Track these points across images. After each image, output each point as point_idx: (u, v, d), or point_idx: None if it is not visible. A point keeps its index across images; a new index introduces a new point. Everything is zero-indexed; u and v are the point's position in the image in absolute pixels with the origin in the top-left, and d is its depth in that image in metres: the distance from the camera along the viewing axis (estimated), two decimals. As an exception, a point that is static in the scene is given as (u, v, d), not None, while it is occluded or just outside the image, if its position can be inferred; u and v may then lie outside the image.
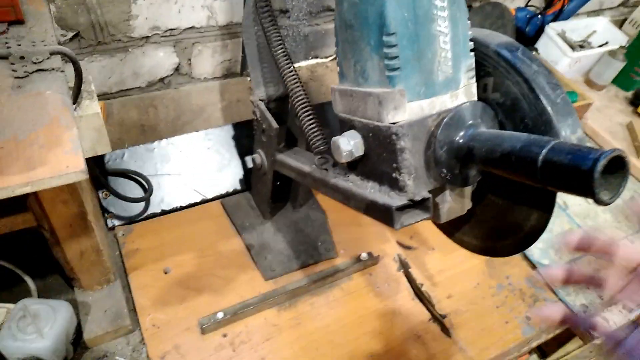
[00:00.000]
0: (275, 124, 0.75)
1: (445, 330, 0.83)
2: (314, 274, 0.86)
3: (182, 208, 0.93)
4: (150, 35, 0.91)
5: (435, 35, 0.49)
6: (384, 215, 0.53)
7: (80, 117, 0.62)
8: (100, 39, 0.87)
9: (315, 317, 0.81)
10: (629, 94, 1.42)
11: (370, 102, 0.52)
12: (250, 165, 0.99)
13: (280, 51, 0.73)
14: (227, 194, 0.97)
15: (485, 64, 0.55)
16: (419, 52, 0.49)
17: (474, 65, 0.54)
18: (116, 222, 0.89)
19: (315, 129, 0.68)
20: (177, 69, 0.99)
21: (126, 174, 0.90)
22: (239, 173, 0.99)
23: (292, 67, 0.72)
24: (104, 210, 0.88)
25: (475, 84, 0.55)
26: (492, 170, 0.51)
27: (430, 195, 0.53)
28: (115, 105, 0.94)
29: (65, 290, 0.79)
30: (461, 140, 0.52)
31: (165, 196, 0.93)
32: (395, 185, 0.53)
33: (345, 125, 0.57)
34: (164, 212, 0.92)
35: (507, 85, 0.54)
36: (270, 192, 0.86)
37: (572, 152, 0.41)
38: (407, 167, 0.51)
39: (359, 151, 0.56)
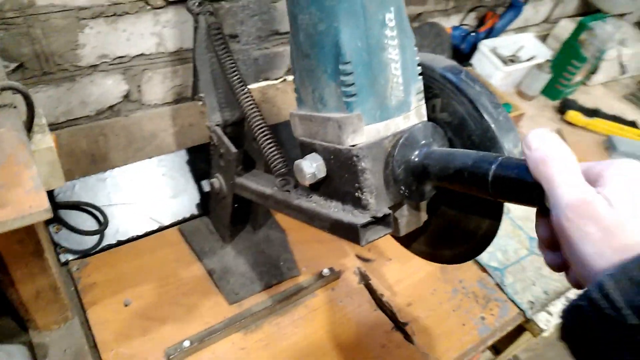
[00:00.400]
0: (233, 148, 0.76)
1: (408, 337, 0.86)
2: (278, 294, 0.86)
3: (138, 237, 0.91)
4: (98, 63, 0.89)
5: (387, 63, 0.53)
6: (350, 233, 0.55)
7: (33, 152, 0.61)
8: (46, 69, 0.85)
9: (282, 337, 0.82)
10: (556, 103, 1.55)
11: (330, 127, 0.55)
12: (207, 189, 0.99)
13: (235, 77, 0.74)
14: (185, 220, 0.96)
15: (433, 87, 0.60)
16: (373, 78, 0.52)
17: (422, 88, 0.58)
18: (69, 257, 0.86)
19: (275, 152, 0.70)
20: (126, 96, 0.98)
21: (79, 206, 0.87)
22: (195, 198, 0.98)
23: (247, 92, 0.74)
24: (56, 245, 0.85)
25: (424, 105, 0.59)
26: (447, 185, 0.55)
27: (391, 212, 0.56)
28: (63, 135, 0.92)
29: (19, 332, 0.75)
30: (416, 159, 0.56)
31: (121, 226, 0.91)
32: (358, 204, 0.56)
33: (306, 149, 0.60)
34: (120, 243, 0.90)
35: (454, 106, 0.58)
36: (229, 215, 0.87)
37: (518, 166, 0.45)
38: (369, 187, 0.54)
39: (322, 173, 0.58)
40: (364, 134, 0.53)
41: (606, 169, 0.35)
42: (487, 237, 0.61)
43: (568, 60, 1.47)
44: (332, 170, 0.58)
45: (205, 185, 0.99)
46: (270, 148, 0.70)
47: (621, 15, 1.83)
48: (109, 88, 0.94)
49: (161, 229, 0.94)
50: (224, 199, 0.86)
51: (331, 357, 0.81)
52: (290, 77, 1.19)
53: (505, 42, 1.53)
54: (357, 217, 0.55)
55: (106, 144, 0.96)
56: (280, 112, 1.16)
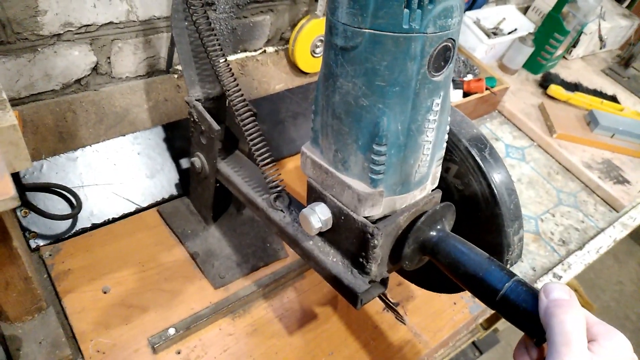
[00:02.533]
0: (216, 126, 0.71)
1: (400, 317, 0.84)
2: (266, 277, 0.83)
3: (115, 220, 0.86)
4: (62, 32, 0.82)
5: (421, 145, 0.50)
6: (348, 295, 0.57)
7: (-7, 130, 0.55)
8: (3, 38, 0.77)
9: (272, 320, 0.79)
10: (538, 77, 1.54)
11: (347, 193, 0.53)
12: (185, 166, 0.94)
13: (214, 51, 0.68)
14: (164, 201, 0.91)
15: (453, 153, 0.58)
16: (404, 159, 0.50)
17: (443, 154, 0.56)
18: (40, 242, 0.80)
19: (269, 165, 0.67)
20: (95, 69, 0.90)
21: (49, 188, 0.81)
22: (174, 177, 0.93)
23: (229, 69, 0.68)
24: (25, 230, 0.79)
25: (440, 169, 0.57)
26: (450, 277, 0.54)
27: (389, 275, 0.58)
28: (27, 111, 0.84)
29: (-12, 325, 0.70)
30: (427, 243, 0.55)
31: (95, 208, 0.85)
32: (360, 267, 0.56)
33: (315, 194, 0.57)
34: (94, 226, 0.84)
35: (470, 180, 0.59)
36: (212, 196, 0.82)
37: (527, 299, 0.45)
38: (375, 258, 0.54)
39: (328, 226, 0.57)
40: (382, 206, 0.52)
41: (603, 336, 0.40)
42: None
43: (550, 33, 1.45)
44: (340, 227, 0.57)
45: (184, 163, 0.94)
46: (263, 161, 0.67)
47: (600, -12, 1.82)
48: (75, 60, 0.87)
49: (138, 210, 0.88)
50: (206, 179, 0.81)
51: (322, 340, 0.79)
52: (270, 49, 1.13)
53: (488, 14, 1.50)
54: (357, 281, 0.56)
55: (75, 121, 0.89)
56: (261, 85, 1.10)
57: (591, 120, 1.38)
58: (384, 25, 0.42)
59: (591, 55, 1.76)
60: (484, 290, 0.50)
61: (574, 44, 1.63)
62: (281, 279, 0.83)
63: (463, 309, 0.89)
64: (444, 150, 0.56)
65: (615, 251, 2.73)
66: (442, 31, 0.43)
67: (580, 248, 1.11)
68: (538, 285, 0.99)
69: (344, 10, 0.43)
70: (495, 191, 0.57)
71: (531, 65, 1.53)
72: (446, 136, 0.55)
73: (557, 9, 1.43)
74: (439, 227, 0.56)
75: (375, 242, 0.53)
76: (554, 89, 1.44)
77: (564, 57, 1.65)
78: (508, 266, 0.62)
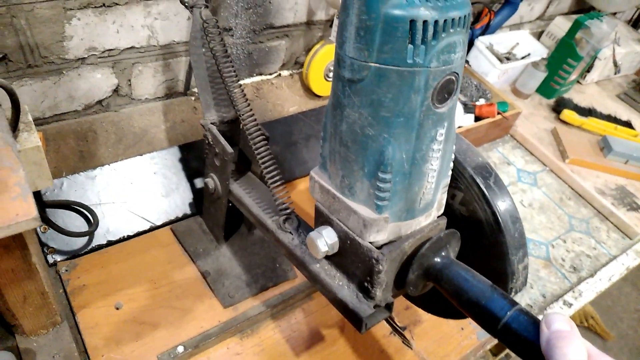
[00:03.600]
0: (230, 149, 0.74)
1: (407, 341, 0.85)
2: (274, 297, 0.84)
3: (129, 237, 0.88)
4: (86, 56, 0.86)
5: (426, 173, 0.52)
6: (353, 318, 0.58)
7: (19, 152, 0.58)
8: (31, 61, 0.81)
9: (279, 341, 0.80)
10: (551, 101, 1.54)
11: (353, 218, 0.54)
12: (199, 185, 0.96)
13: (230, 78, 0.71)
14: (177, 219, 0.93)
15: (459, 181, 0.60)
16: (408, 186, 0.51)
17: (449, 182, 0.58)
18: (58, 258, 0.82)
19: (279, 187, 0.69)
20: (116, 91, 0.94)
21: (68, 206, 0.84)
22: (188, 197, 0.95)
23: (243, 96, 0.71)
24: (43, 245, 0.82)
25: (445, 196, 0.59)
26: (453, 303, 0.55)
27: (393, 300, 0.59)
28: (50, 131, 0.88)
29: (5, 337, 0.72)
30: (431, 269, 0.57)
31: (111, 226, 0.87)
32: (365, 292, 0.57)
33: (322, 217, 0.59)
34: (110, 243, 0.87)
35: (475, 207, 0.60)
36: (224, 216, 0.84)
37: (528, 328, 0.46)
38: (380, 284, 0.55)
39: (335, 250, 0.58)
40: (387, 232, 0.53)
41: None
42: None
43: (564, 58, 1.46)
44: (346, 251, 0.58)
45: (198, 183, 0.96)
46: (274, 185, 0.69)
47: (614, 14, 1.83)
48: (98, 82, 0.91)
49: (153, 228, 0.91)
50: (219, 200, 0.83)
51: (329, 362, 0.79)
52: (285, 72, 1.16)
53: (501, 39, 1.52)
54: (362, 305, 0.57)
55: (95, 140, 0.92)
56: (275, 108, 1.13)
57: (605, 146, 1.37)
58: (389, 59, 0.44)
59: (606, 80, 1.76)
60: (486, 318, 0.51)
61: (588, 69, 1.63)
62: (289, 299, 0.84)
63: (471, 335, 0.89)
64: (450, 178, 0.58)
65: (633, 278, 2.67)
66: (445, 65, 0.45)
67: (591, 275, 1.10)
68: (548, 312, 0.98)
69: (351, 45, 0.45)
70: (500, 219, 0.58)
71: (544, 89, 1.53)
72: (451, 164, 0.56)
73: (570, 34, 1.44)
74: (443, 253, 0.56)
75: (380, 267, 0.54)
76: (567, 114, 1.44)
77: (578, 81, 1.65)
78: (512, 294, 0.62)
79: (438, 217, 0.59)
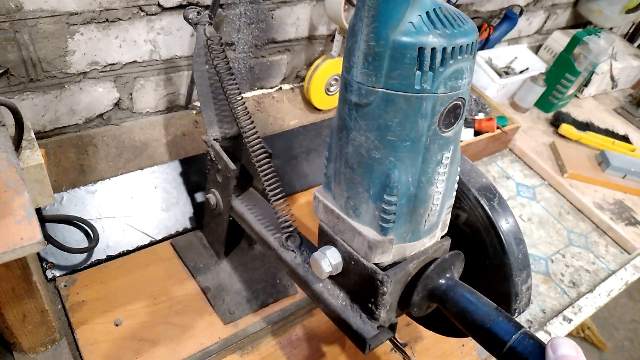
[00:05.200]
0: (232, 166, 0.74)
1: (407, 358, 0.84)
2: (275, 314, 0.84)
3: (129, 252, 0.88)
4: (88, 70, 0.86)
5: (431, 195, 0.52)
6: (356, 339, 0.57)
7: (21, 170, 0.57)
8: (33, 75, 0.80)
9: (280, 358, 0.80)
10: (549, 115, 1.55)
11: (358, 239, 0.54)
12: (199, 200, 0.96)
13: (233, 95, 0.71)
14: (177, 234, 0.93)
15: (462, 202, 0.60)
16: (414, 209, 0.52)
17: (453, 202, 0.58)
18: (57, 273, 0.82)
19: (282, 205, 0.68)
20: (117, 104, 0.94)
21: (68, 221, 0.83)
22: (188, 211, 0.95)
23: (247, 113, 0.71)
24: (42, 260, 0.81)
25: (449, 217, 0.59)
26: (457, 325, 0.55)
27: (397, 320, 0.59)
28: (51, 145, 0.88)
29: (3, 354, 0.71)
30: (435, 291, 0.57)
31: (111, 240, 0.87)
32: (368, 313, 0.57)
33: (326, 237, 0.59)
34: (110, 258, 0.86)
35: (479, 228, 0.60)
36: (225, 231, 0.84)
37: (535, 353, 0.46)
38: (384, 305, 0.55)
39: (338, 270, 0.58)
40: (391, 253, 0.54)
41: None
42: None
43: (562, 73, 1.47)
44: (350, 271, 0.58)
45: (199, 197, 0.96)
46: (276, 200, 0.68)
47: (610, 29, 1.85)
48: (99, 96, 0.91)
49: (153, 243, 0.90)
50: (220, 215, 0.82)
51: (329, 380, 0.79)
52: (286, 86, 1.17)
53: (500, 53, 1.53)
54: (366, 326, 0.57)
55: (96, 154, 0.92)
56: (276, 122, 1.13)
57: (603, 161, 1.38)
58: (397, 85, 0.44)
59: (603, 95, 1.77)
60: (490, 341, 0.51)
61: (586, 84, 1.64)
62: (290, 316, 0.84)
63: (471, 351, 0.88)
64: (454, 199, 0.58)
65: (629, 289, 2.67)
66: (452, 91, 0.45)
67: (591, 291, 1.10)
68: (548, 327, 0.98)
69: (359, 70, 0.45)
70: (504, 241, 0.58)
71: (543, 103, 1.54)
72: (456, 185, 0.57)
73: (568, 50, 1.46)
74: (447, 275, 0.56)
75: (385, 289, 0.53)
76: (566, 128, 1.45)
77: (575, 95, 1.66)
78: (516, 315, 0.62)
79: (442, 237, 0.59)
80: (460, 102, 0.47)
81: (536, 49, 1.75)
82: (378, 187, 0.50)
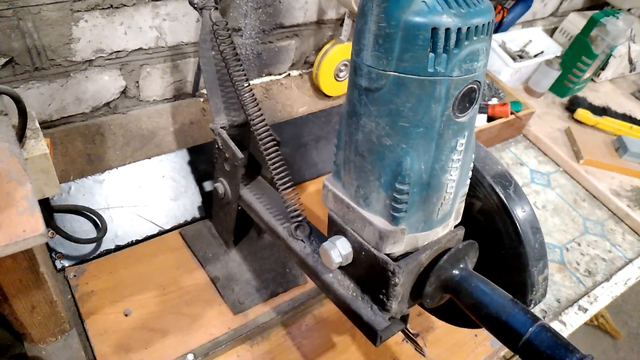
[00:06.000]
0: (240, 154, 0.72)
1: (419, 349, 0.83)
2: (284, 303, 0.83)
3: (138, 242, 0.87)
4: (93, 58, 0.84)
5: (445, 183, 0.50)
6: (367, 331, 0.56)
7: (25, 160, 0.56)
8: (38, 64, 0.79)
9: (290, 348, 0.79)
10: (565, 100, 1.51)
11: (368, 229, 0.53)
12: (208, 189, 0.95)
13: (240, 82, 0.69)
14: (186, 223, 0.92)
15: (477, 190, 0.58)
16: (427, 197, 0.50)
17: (467, 191, 0.56)
18: (66, 263, 0.81)
19: (291, 194, 0.67)
20: (123, 92, 0.93)
21: (75, 211, 0.83)
22: (197, 200, 0.94)
23: (254, 101, 0.69)
24: (51, 251, 0.81)
25: (463, 205, 0.57)
26: (471, 316, 0.53)
27: (409, 311, 0.58)
28: (57, 134, 0.87)
29: (13, 344, 0.71)
30: (449, 282, 0.55)
31: (119, 230, 0.86)
32: (380, 304, 0.56)
33: (335, 227, 0.57)
34: (118, 248, 0.86)
35: (494, 217, 0.58)
36: (234, 221, 0.83)
37: (553, 346, 0.45)
38: (396, 296, 0.54)
39: (349, 261, 0.57)
40: (403, 243, 0.52)
41: None
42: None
43: (578, 56, 1.43)
44: (360, 262, 0.56)
45: (207, 186, 0.95)
46: (285, 189, 0.67)
47: (628, 10, 1.79)
48: (105, 84, 0.89)
49: (161, 233, 0.90)
50: (228, 205, 0.81)
51: (340, 370, 0.78)
52: (294, 72, 1.15)
53: (514, 37, 1.49)
54: (377, 317, 0.56)
55: (103, 143, 0.91)
56: (284, 109, 1.11)
57: (620, 146, 1.34)
58: (409, 68, 0.42)
59: (620, 78, 1.73)
60: (506, 334, 0.49)
61: (603, 67, 1.60)
62: (300, 306, 0.83)
63: (484, 342, 0.87)
64: (468, 187, 0.56)
65: (644, 277, 2.63)
66: (467, 74, 0.43)
67: (607, 279, 1.08)
68: (563, 317, 0.97)
69: (369, 53, 0.43)
70: (520, 230, 0.56)
71: (558, 88, 1.50)
72: (470, 173, 0.55)
73: (585, 32, 1.41)
74: (461, 265, 0.55)
75: (397, 280, 0.52)
76: (581, 113, 1.42)
77: (592, 79, 1.62)
78: (532, 306, 0.60)
79: (455, 226, 0.58)
80: (475, 86, 0.44)
81: (551, 32, 1.70)
82: (389, 175, 0.48)
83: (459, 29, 0.40)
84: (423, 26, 0.40)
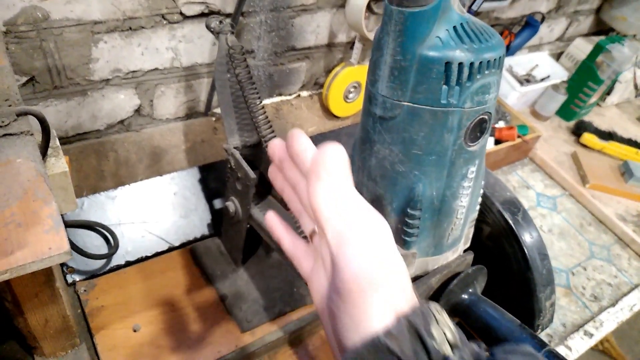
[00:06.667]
0: (252, 174, 0.74)
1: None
2: (292, 323, 0.83)
3: (148, 258, 0.88)
4: (110, 77, 0.87)
5: (455, 209, 0.51)
6: None
7: (48, 179, 0.58)
8: (57, 82, 0.82)
9: (296, 368, 0.79)
10: (571, 124, 1.53)
11: None
12: (218, 206, 0.96)
13: (254, 105, 0.71)
14: (195, 240, 0.93)
15: (486, 215, 0.59)
16: (437, 222, 0.51)
17: (476, 216, 0.57)
18: (77, 277, 0.83)
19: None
20: (137, 111, 0.95)
21: (88, 226, 0.84)
22: (206, 218, 0.95)
23: (267, 122, 0.71)
24: (62, 265, 0.82)
25: (472, 230, 0.58)
26: (480, 340, 0.54)
27: None
28: (73, 150, 0.89)
29: (24, 357, 0.72)
30: (458, 306, 0.56)
31: (129, 246, 0.88)
32: None
33: None
34: (128, 263, 0.87)
35: (502, 243, 0.60)
36: (243, 239, 0.84)
37: None
38: None
39: None
40: (414, 267, 0.53)
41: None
42: None
43: (584, 81, 1.45)
44: None
45: (217, 204, 0.96)
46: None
47: (633, 36, 1.82)
48: (121, 102, 0.92)
49: (171, 249, 0.91)
50: (239, 223, 0.83)
51: (346, 391, 0.78)
52: (304, 93, 1.17)
53: (521, 61, 1.51)
54: None
55: (116, 160, 0.93)
56: (294, 128, 1.13)
57: (626, 171, 1.35)
58: (423, 99, 0.44)
59: (626, 103, 1.74)
60: None
61: (609, 92, 1.62)
62: (307, 326, 0.83)
63: None
64: (477, 213, 0.57)
65: (650, 301, 2.61)
66: (479, 106, 0.44)
67: (612, 305, 1.08)
68: (569, 342, 0.96)
69: (385, 84, 0.45)
70: (528, 255, 0.57)
71: (564, 112, 1.52)
72: (480, 199, 0.56)
73: (591, 58, 1.43)
74: (470, 290, 0.56)
75: None
76: (588, 138, 1.43)
77: (597, 104, 1.64)
78: (539, 331, 0.61)
79: (464, 251, 0.59)
80: (486, 117, 0.46)
81: (557, 56, 1.72)
82: (402, 200, 0.49)
83: (471, 64, 0.42)
84: (437, 60, 0.41)
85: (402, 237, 0.51)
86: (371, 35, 1.00)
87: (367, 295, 0.29)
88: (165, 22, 0.85)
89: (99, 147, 0.92)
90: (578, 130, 1.47)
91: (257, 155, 0.82)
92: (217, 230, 0.95)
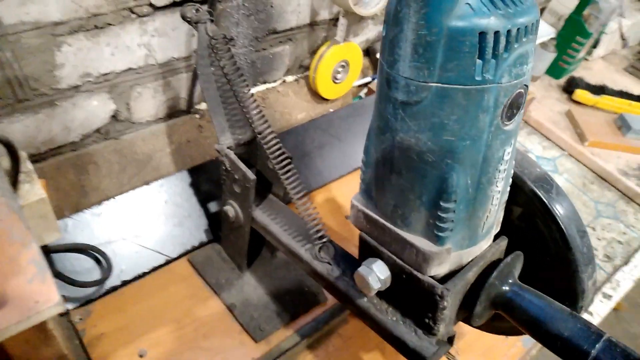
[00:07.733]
0: (252, 175, 0.67)
1: (451, 357, 0.80)
2: (308, 325, 0.79)
3: (145, 274, 0.82)
4: (80, 84, 0.78)
5: (491, 196, 0.46)
6: (414, 358, 0.52)
7: (21, 208, 0.51)
8: (21, 95, 0.73)
9: (320, 374, 0.75)
10: (561, 81, 1.49)
11: (409, 251, 0.48)
12: (213, 210, 0.90)
13: (245, 96, 0.65)
14: (194, 249, 0.87)
15: (516, 195, 0.54)
16: (472, 212, 0.46)
17: (507, 198, 0.52)
18: (69, 306, 0.76)
19: (312, 213, 0.63)
20: (114, 116, 0.87)
21: (75, 249, 0.77)
22: (202, 223, 0.89)
23: (261, 114, 0.65)
24: (53, 294, 0.75)
25: (503, 213, 0.53)
26: (526, 333, 0.50)
27: (455, 332, 0.54)
28: (47, 168, 0.81)
29: (23, 403, 0.66)
30: (499, 298, 0.51)
31: (123, 264, 0.81)
32: (426, 328, 0.52)
33: (369, 249, 0.53)
34: (125, 283, 0.80)
35: (537, 222, 0.54)
36: (247, 244, 0.78)
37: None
38: (444, 319, 0.50)
39: (387, 285, 0.52)
40: (448, 263, 0.48)
41: None
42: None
43: (572, 36, 1.40)
44: (399, 285, 0.52)
45: (213, 207, 0.90)
46: (302, 203, 0.63)
47: (614, -16, 1.78)
48: (95, 109, 0.83)
49: (169, 262, 0.84)
50: (240, 228, 0.76)
51: (375, 391, 0.74)
52: (289, 78, 1.10)
53: (505, 21, 1.46)
54: (423, 342, 0.52)
55: (97, 172, 0.85)
56: (282, 117, 1.06)
57: (622, 125, 1.32)
58: (454, 78, 0.38)
59: (612, 55, 1.71)
60: (570, 353, 0.46)
61: (595, 45, 1.58)
62: (324, 326, 0.79)
63: (516, 343, 0.84)
64: (507, 195, 0.52)
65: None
66: (517, 79, 0.39)
67: (626, 263, 1.06)
68: (591, 309, 0.94)
69: (407, 64, 0.39)
70: (567, 235, 0.52)
71: (553, 70, 1.48)
72: (510, 180, 0.51)
73: (578, 11, 1.39)
74: (510, 280, 0.51)
75: (445, 303, 0.48)
76: (580, 94, 1.39)
77: (585, 58, 1.60)
78: (581, 313, 0.57)
79: (495, 236, 0.54)
80: (523, 90, 0.40)
81: (540, 13, 1.67)
82: (432, 193, 0.44)
83: (508, 31, 0.36)
84: (469, 31, 0.35)
85: (435, 233, 0.46)
86: (358, 9, 0.93)
87: None
88: (134, 16, 0.77)
89: (76, 161, 0.84)
90: (569, 87, 1.43)
91: (252, 152, 0.75)
92: (215, 235, 0.88)
